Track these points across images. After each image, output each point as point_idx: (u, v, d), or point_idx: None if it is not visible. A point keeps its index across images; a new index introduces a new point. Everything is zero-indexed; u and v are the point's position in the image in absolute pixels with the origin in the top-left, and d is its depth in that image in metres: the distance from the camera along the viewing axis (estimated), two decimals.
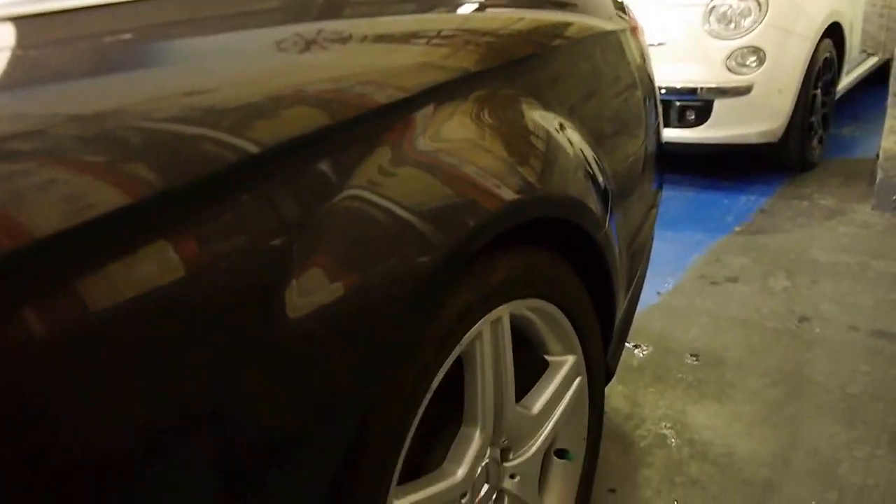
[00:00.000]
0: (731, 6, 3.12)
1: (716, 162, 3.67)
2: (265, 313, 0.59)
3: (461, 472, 0.91)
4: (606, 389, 1.32)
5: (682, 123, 3.21)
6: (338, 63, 0.70)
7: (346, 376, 0.66)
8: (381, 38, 0.76)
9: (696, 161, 3.69)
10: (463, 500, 0.94)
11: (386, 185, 0.70)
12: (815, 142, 3.53)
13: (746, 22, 3.10)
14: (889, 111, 2.86)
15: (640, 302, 1.54)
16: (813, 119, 3.44)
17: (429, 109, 0.77)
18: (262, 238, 0.59)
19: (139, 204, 0.52)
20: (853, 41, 3.76)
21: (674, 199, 3.25)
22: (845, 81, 3.96)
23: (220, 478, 0.59)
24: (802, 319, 2.16)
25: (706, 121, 3.19)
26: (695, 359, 1.97)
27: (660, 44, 3.20)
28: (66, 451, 0.49)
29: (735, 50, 3.13)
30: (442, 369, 0.82)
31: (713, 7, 3.14)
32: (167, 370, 0.54)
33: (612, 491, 1.51)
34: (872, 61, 4.38)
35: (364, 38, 0.74)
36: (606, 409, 1.75)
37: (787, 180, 3.40)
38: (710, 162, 3.69)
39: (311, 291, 0.62)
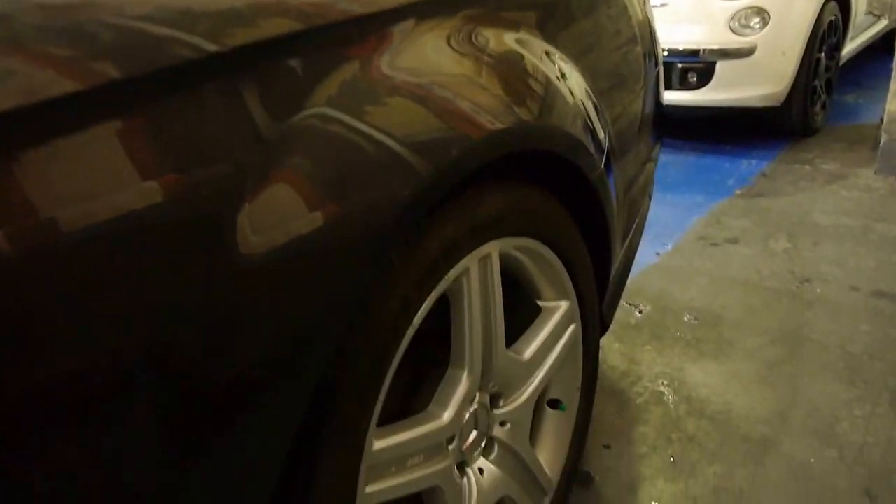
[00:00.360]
0: None
1: (717, 126, 3.61)
2: (226, 228, 0.54)
3: (447, 416, 0.87)
4: (603, 346, 1.28)
5: (684, 86, 3.15)
6: None
7: (317, 305, 0.62)
8: None
9: (698, 125, 3.63)
10: (450, 447, 0.91)
11: (360, 104, 0.65)
12: (818, 107, 3.46)
13: None
14: (894, 73, 2.80)
15: (638, 262, 1.50)
16: (816, 83, 3.38)
17: (409, 23, 0.71)
18: (222, 149, 0.54)
19: (91, 92, 0.48)
20: (859, 5, 3.69)
21: (674, 163, 3.20)
22: (850, 47, 3.89)
23: (181, 413, 0.54)
24: (803, 280, 2.12)
25: (708, 83, 3.13)
26: (693, 318, 1.94)
27: (662, 5, 3.13)
28: (14, 384, 0.45)
29: (739, 10, 3.06)
30: (425, 304, 0.77)
31: None
32: (117, 292, 0.49)
33: (607, 447, 1.47)
34: (877, 28, 4.31)
35: None
36: (603, 366, 1.72)
37: (790, 145, 3.35)
38: (711, 126, 3.63)
39: (276, 211, 0.57)
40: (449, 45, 0.76)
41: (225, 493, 0.59)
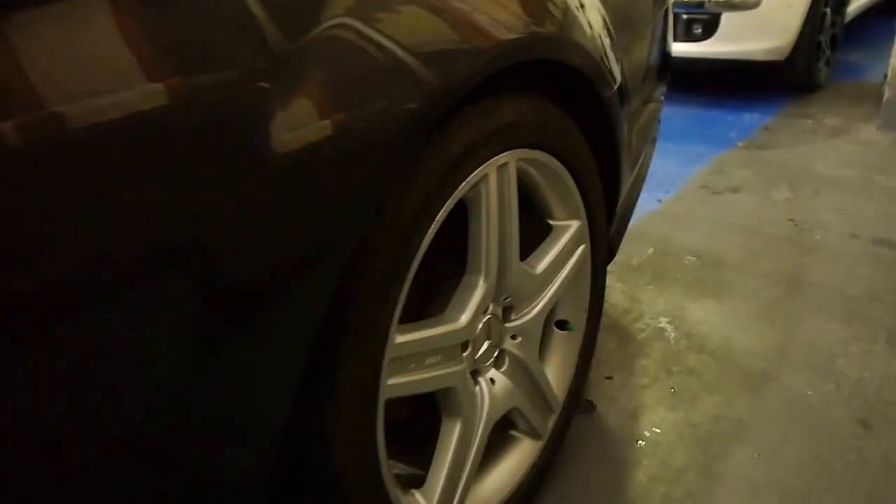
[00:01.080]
0: None
1: (721, 79, 3.60)
2: (251, 137, 0.55)
3: (464, 318, 0.88)
4: (606, 285, 1.29)
5: (689, 37, 3.13)
6: None
7: (345, 194, 0.63)
8: None
9: (701, 79, 3.61)
10: (464, 354, 0.92)
11: (375, 14, 0.65)
12: (822, 63, 3.45)
13: None
14: None
15: (640, 209, 1.50)
16: (821, 38, 3.36)
17: None
18: (246, 62, 0.55)
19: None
20: None
21: (677, 115, 3.19)
22: (856, 3, 3.86)
23: (207, 309, 0.55)
24: (803, 228, 2.13)
25: (713, 35, 3.11)
26: (695, 258, 1.95)
27: None
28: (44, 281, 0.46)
29: None
30: (447, 203, 0.78)
31: None
32: (147, 194, 0.50)
33: (610, 378, 1.50)
34: None
35: None
36: (606, 304, 1.74)
37: (793, 100, 3.35)
38: (714, 80, 3.61)
39: (307, 105, 0.58)
40: None
41: (255, 378, 0.61)
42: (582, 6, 0.98)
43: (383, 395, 0.77)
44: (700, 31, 3.12)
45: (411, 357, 0.82)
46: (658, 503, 1.19)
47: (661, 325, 1.68)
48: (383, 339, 0.74)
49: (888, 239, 2.04)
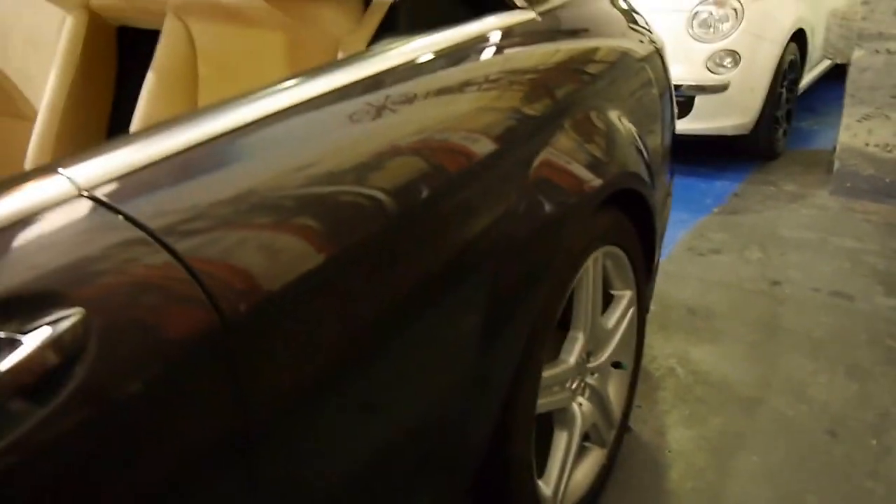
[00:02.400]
0: (711, 13, 3.58)
1: (694, 150, 4.14)
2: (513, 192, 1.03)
3: (572, 360, 1.34)
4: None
5: None
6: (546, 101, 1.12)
7: (545, 259, 1.11)
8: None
9: (678, 150, 4.15)
10: (568, 385, 1.37)
11: (566, 149, 1.12)
12: (780, 134, 4.02)
13: (724, 27, 3.57)
14: (845, 110, 3.36)
15: None
16: (779, 114, 3.93)
17: (576, 114, 1.19)
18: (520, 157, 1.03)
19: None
20: (815, 45, 4.26)
21: None
22: (806, 79, 4.46)
23: (482, 343, 1.01)
24: (774, 283, 2.63)
25: (688, 114, 3.65)
26: (690, 311, 2.43)
27: None
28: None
29: (714, 52, 3.59)
30: (573, 282, 1.24)
31: (696, 13, 3.60)
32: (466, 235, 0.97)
33: (639, 406, 1.95)
34: (828, 62, 4.90)
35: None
36: None
37: (756, 168, 3.89)
38: (689, 150, 4.15)
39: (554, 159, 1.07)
40: (590, 124, 1.23)
41: (492, 386, 1.05)
42: (638, 138, 1.46)
43: (536, 410, 1.22)
44: (677, 111, 3.66)
45: (545, 387, 1.27)
46: (689, 492, 1.64)
47: (671, 364, 2.14)
48: (539, 372, 1.19)
49: (842, 291, 2.55)
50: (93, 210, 0.62)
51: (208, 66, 1.40)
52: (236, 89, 1.32)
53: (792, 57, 3.92)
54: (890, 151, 3.33)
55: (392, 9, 1.20)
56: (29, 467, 0.53)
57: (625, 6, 1.77)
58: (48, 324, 0.55)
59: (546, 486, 1.34)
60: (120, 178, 0.65)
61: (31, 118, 1.61)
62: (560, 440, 1.38)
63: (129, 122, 1.51)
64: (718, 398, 1.98)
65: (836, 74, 4.89)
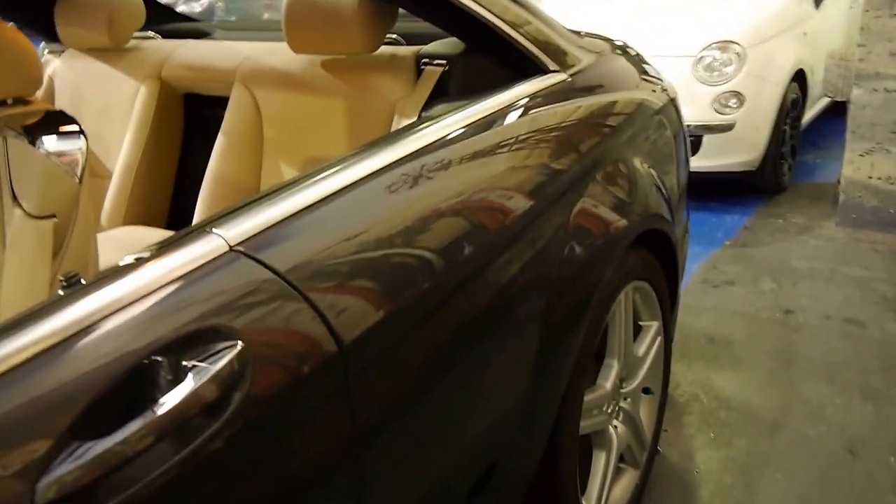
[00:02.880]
0: (715, 58, 3.76)
1: (704, 187, 4.29)
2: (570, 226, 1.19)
3: (608, 386, 1.46)
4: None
5: None
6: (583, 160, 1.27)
7: (591, 280, 1.25)
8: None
9: (688, 186, 4.30)
10: (604, 409, 1.50)
11: (600, 198, 1.27)
12: (785, 168, 4.17)
13: (728, 71, 3.74)
14: (847, 145, 3.51)
15: None
16: (783, 150, 4.09)
17: (606, 166, 1.34)
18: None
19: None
20: (815, 83, 4.43)
21: None
22: (807, 116, 4.63)
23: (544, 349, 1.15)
24: (788, 312, 2.76)
25: (697, 152, 3.81)
26: (710, 340, 2.56)
27: None
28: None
29: (719, 94, 3.75)
30: (608, 315, 1.37)
31: (701, 58, 3.77)
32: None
33: (666, 430, 2.06)
34: (828, 100, 5.07)
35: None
36: None
37: (764, 202, 4.04)
38: (699, 187, 4.30)
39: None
40: (621, 174, 1.38)
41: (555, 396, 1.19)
42: (661, 184, 1.60)
43: (579, 432, 1.34)
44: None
45: (586, 410, 1.39)
46: (714, 494, 1.75)
47: (695, 391, 2.26)
48: (581, 396, 1.32)
49: (854, 318, 2.67)
50: (240, 261, 0.76)
51: (273, 129, 1.56)
52: (300, 150, 1.49)
53: (794, 96, 4.09)
54: (892, 183, 3.47)
55: (442, 77, 1.36)
56: (202, 471, 0.67)
57: (637, 59, 1.94)
58: (217, 353, 0.69)
59: (590, 501, 1.46)
60: (258, 234, 0.79)
61: (105, 176, 1.77)
62: (599, 460, 1.50)
63: (194, 178, 1.67)
64: (741, 422, 2.10)
65: (835, 110, 5.06)
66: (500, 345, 1.09)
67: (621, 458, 1.66)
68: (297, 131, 1.53)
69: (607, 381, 1.47)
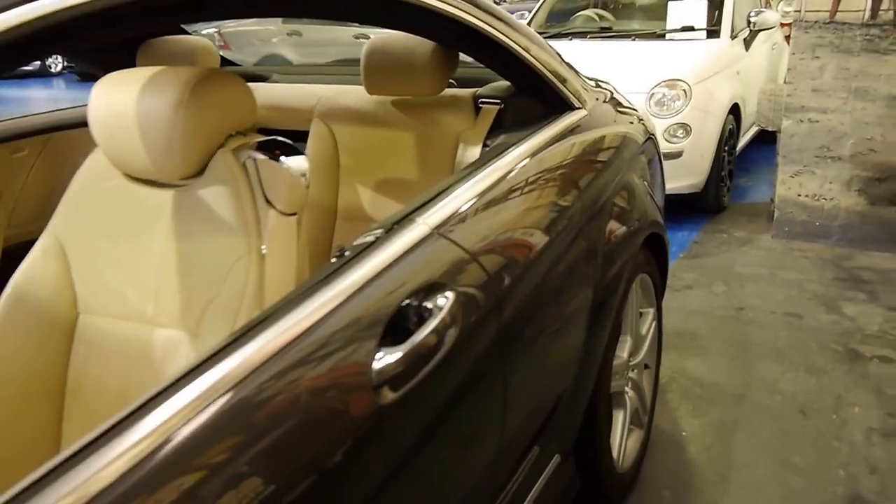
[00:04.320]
0: (665, 94, 4.28)
1: None
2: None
3: (624, 356, 1.87)
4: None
5: None
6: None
7: (619, 272, 1.66)
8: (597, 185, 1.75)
9: None
10: (622, 375, 1.90)
11: (623, 208, 1.68)
12: (725, 190, 4.72)
13: (676, 105, 4.26)
14: (779, 168, 4.06)
15: None
16: (723, 173, 4.63)
17: (623, 183, 1.76)
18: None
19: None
20: (746, 115, 5.03)
21: None
22: (741, 144, 5.22)
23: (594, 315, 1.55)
24: (739, 309, 3.24)
25: None
26: (678, 335, 3.00)
27: None
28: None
29: (669, 126, 4.27)
30: (628, 297, 1.78)
31: (652, 94, 4.29)
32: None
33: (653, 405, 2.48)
34: (756, 129, 5.70)
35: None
36: None
37: (709, 219, 4.56)
38: None
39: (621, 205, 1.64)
40: (631, 190, 1.81)
41: (597, 358, 1.58)
42: (651, 194, 2.03)
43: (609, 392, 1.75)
44: None
45: (613, 373, 1.79)
46: (705, 461, 2.17)
47: (672, 374, 2.69)
48: (612, 362, 1.72)
49: (794, 312, 3.17)
50: (440, 241, 1.14)
51: (348, 157, 1.92)
52: (372, 175, 1.85)
53: (731, 126, 4.65)
54: (818, 200, 4.03)
55: (498, 113, 1.76)
56: (441, 369, 1.03)
57: (615, 99, 2.38)
58: (439, 300, 1.06)
59: (613, 450, 1.85)
60: (444, 223, 1.17)
61: None
62: (618, 418, 1.90)
63: None
64: (713, 395, 2.54)
65: (760, 140, 5.69)
66: (567, 313, 1.48)
67: (631, 423, 2.07)
68: (370, 160, 1.89)
69: (623, 352, 1.88)
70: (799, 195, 4.06)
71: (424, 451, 1.03)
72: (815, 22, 3.87)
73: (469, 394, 1.13)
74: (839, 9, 3.81)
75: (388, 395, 0.94)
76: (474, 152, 1.74)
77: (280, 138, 1.24)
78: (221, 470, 0.75)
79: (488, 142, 1.73)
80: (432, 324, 1.01)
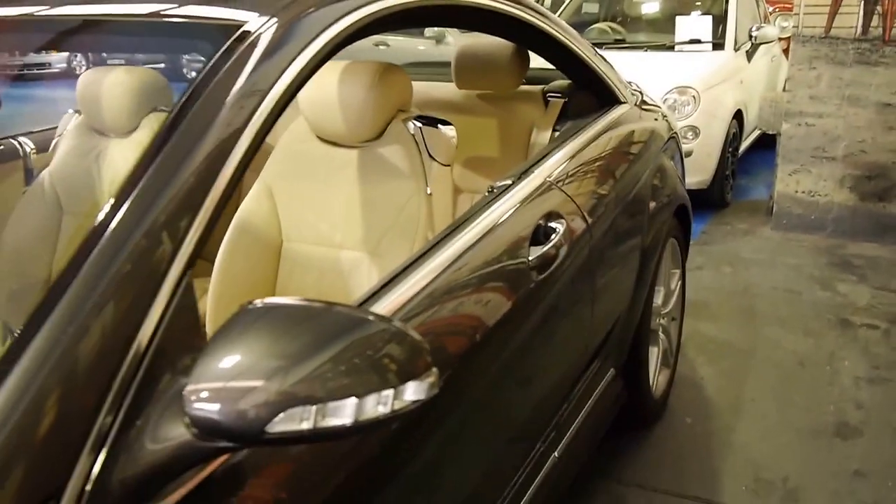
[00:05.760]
0: (676, 99, 4.74)
1: None
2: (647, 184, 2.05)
3: (660, 302, 2.32)
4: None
5: None
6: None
7: (660, 232, 2.11)
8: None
9: None
10: (659, 316, 2.35)
11: (662, 183, 2.14)
12: (728, 188, 5.19)
13: (687, 109, 4.73)
14: (779, 167, 4.52)
15: None
16: (727, 173, 5.10)
17: (659, 165, 2.22)
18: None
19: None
20: (749, 120, 5.50)
21: None
22: (743, 146, 5.69)
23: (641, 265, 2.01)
24: (745, 286, 3.69)
25: None
26: (692, 305, 3.46)
27: None
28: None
29: (680, 128, 4.73)
30: (663, 254, 2.24)
31: (665, 99, 4.75)
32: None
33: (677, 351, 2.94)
34: (758, 133, 6.17)
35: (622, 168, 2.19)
36: None
37: (715, 213, 5.03)
38: None
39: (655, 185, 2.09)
40: (662, 169, 2.27)
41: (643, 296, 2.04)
42: (681, 179, 2.49)
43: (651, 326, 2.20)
44: None
45: (652, 314, 2.24)
46: (720, 398, 2.62)
47: (689, 333, 3.15)
48: (653, 301, 2.17)
49: (793, 289, 3.63)
50: (552, 187, 1.60)
51: None
52: (461, 155, 2.30)
53: (734, 130, 5.12)
54: (813, 196, 4.50)
55: (564, 105, 2.21)
56: (558, 272, 1.48)
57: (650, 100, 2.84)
58: (556, 226, 1.51)
59: (650, 379, 2.31)
60: (551, 174, 1.62)
61: None
62: (653, 354, 2.35)
63: None
64: (724, 351, 2.99)
65: (760, 145, 6.17)
66: (626, 252, 1.94)
67: (661, 363, 2.52)
68: (460, 142, 2.34)
69: (659, 299, 2.33)
70: (796, 191, 4.53)
71: (547, 326, 1.49)
72: (812, 37, 4.34)
73: (573, 296, 1.59)
74: (833, 25, 4.29)
75: (537, 277, 1.40)
76: (545, 136, 2.19)
77: (430, 114, 1.69)
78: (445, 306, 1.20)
79: (557, 127, 2.19)
80: (555, 238, 1.46)
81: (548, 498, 1.59)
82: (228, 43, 0.98)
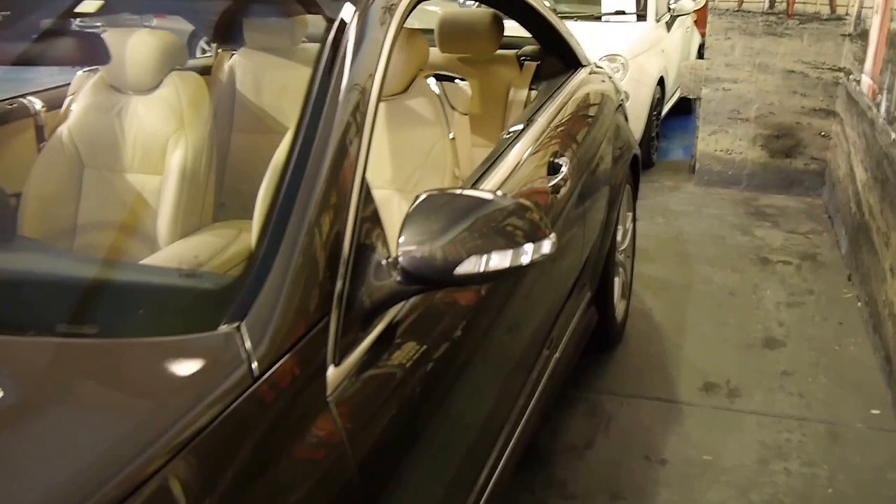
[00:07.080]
0: (606, 67, 5.14)
1: None
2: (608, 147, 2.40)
3: (619, 238, 2.70)
4: None
5: None
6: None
7: (620, 178, 2.48)
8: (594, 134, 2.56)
9: None
10: (619, 251, 2.72)
11: (620, 136, 2.50)
12: (654, 149, 5.65)
13: (617, 76, 5.13)
14: (700, 128, 5.00)
15: None
16: (652, 135, 5.56)
17: (616, 122, 2.58)
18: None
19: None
20: (669, 86, 5.97)
21: None
22: (664, 110, 6.17)
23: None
24: (677, 233, 4.14)
25: None
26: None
27: None
28: None
29: None
30: (623, 196, 2.60)
31: None
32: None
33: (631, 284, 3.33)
34: (676, 98, 6.67)
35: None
36: None
37: (643, 173, 5.43)
38: None
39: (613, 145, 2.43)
40: (621, 124, 2.63)
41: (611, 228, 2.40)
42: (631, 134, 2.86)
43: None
44: None
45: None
46: (667, 323, 3.04)
47: (635, 275, 3.55)
48: (615, 237, 2.53)
49: (718, 235, 4.10)
50: (557, 137, 1.92)
51: None
52: None
53: (658, 95, 5.58)
54: (729, 154, 4.99)
55: (537, 68, 2.53)
56: (564, 202, 1.82)
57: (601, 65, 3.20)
58: (564, 164, 1.84)
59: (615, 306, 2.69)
60: (548, 124, 1.95)
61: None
62: (615, 283, 2.72)
63: None
64: (665, 286, 3.42)
65: (676, 111, 6.69)
66: (599, 194, 2.29)
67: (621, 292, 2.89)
68: None
69: (619, 236, 2.71)
70: (715, 150, 5.02)
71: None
72: (727, 10, 4.81)
73: (572, 219, 1.94)
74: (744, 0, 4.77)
75: (553, 197, 1.73)
76: (522, 94, 2.51)
77: (444, 72, 1.98)
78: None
79: (532, 87, 2.50)
80: (564, 171, 1.79)
81: (548, 398, 1.94)
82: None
